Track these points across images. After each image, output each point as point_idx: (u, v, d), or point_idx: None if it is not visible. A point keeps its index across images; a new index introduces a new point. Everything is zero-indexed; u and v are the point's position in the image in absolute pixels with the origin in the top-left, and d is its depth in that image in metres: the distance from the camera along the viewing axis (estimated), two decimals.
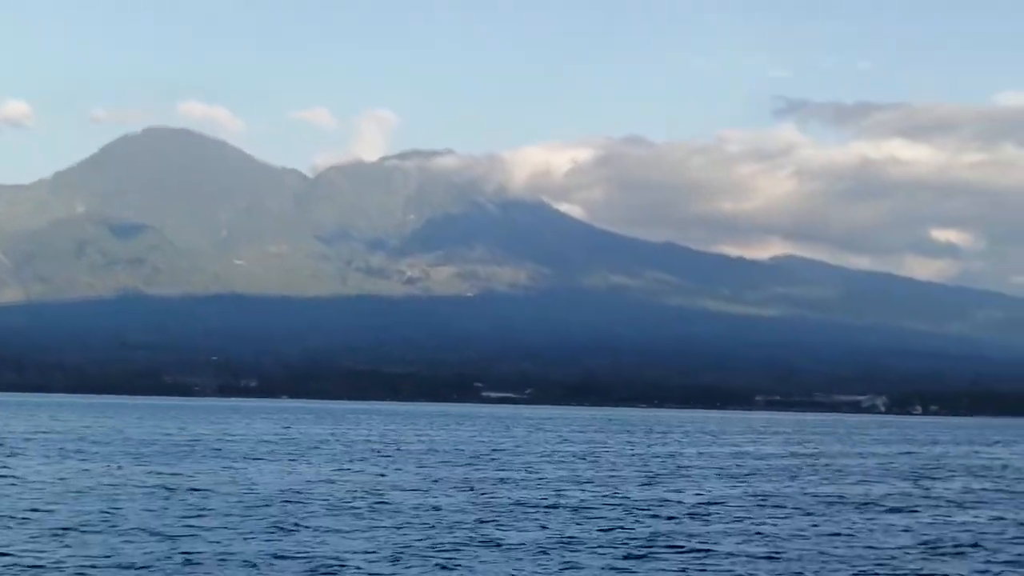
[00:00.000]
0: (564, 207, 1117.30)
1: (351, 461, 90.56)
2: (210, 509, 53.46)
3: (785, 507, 62.28)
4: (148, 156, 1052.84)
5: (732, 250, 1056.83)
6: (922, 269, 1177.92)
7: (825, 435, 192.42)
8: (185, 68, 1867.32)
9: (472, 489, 66.67)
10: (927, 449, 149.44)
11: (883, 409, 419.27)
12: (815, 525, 54.05)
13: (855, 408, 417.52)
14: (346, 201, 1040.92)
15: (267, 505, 55.77)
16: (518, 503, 59.68)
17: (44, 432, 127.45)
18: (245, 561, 38.96)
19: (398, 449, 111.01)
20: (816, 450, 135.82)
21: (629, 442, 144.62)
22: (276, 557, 39.99)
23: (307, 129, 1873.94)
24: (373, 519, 51.12)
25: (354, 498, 59.98)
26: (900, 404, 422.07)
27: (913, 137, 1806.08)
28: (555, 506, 58.94)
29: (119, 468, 76.47)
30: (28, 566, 37.15)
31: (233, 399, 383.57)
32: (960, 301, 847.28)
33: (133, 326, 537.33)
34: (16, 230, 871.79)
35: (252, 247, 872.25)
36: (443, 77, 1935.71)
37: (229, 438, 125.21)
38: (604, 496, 65.68)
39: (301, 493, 62.08)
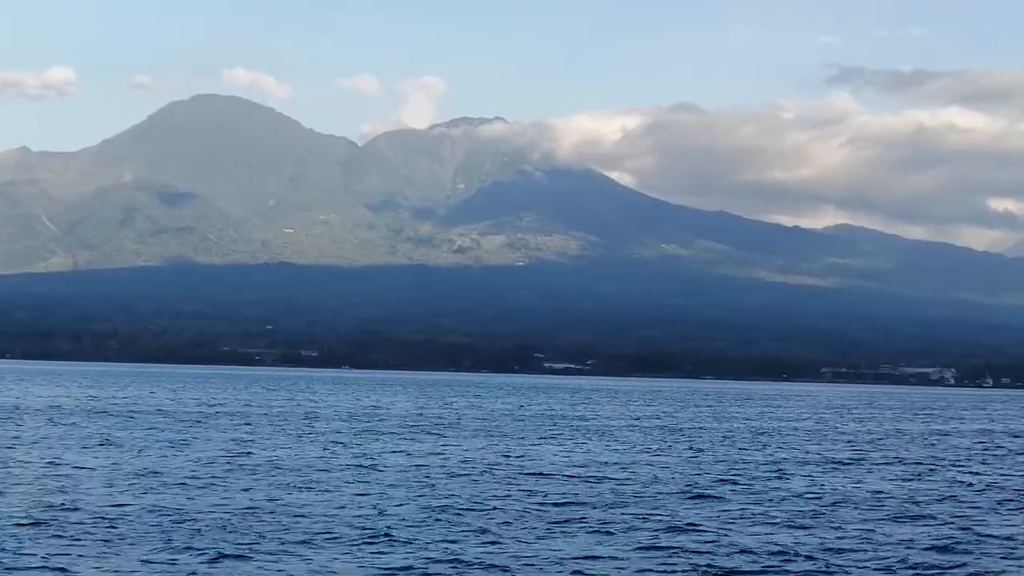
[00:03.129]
0: (614, 175, 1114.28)
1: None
2: None
3: None
4: (196, 124, 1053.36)
5: (785, 219, 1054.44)
6: (979, 239, 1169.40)
7: None
8: (228, 35, 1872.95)
9: None
10: None
11: (952, 381, 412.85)
12: None
13: (923, 380, 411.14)
14: (394, 169, 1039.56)
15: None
16: None
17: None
18: None
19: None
20: None
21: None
22: None
23: (354, 96, 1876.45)
24: None
25: None
26: (969, 376, 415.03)
27: (970, 105, 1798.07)
28: None
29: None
30: None
31: (300, 369, 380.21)
32: (1019, 272, 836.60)
33: (183, 295, 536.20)
34: (63, 198, 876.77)
35: (300, 216, 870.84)
36: (491, 44, 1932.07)
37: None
38: None
39: None
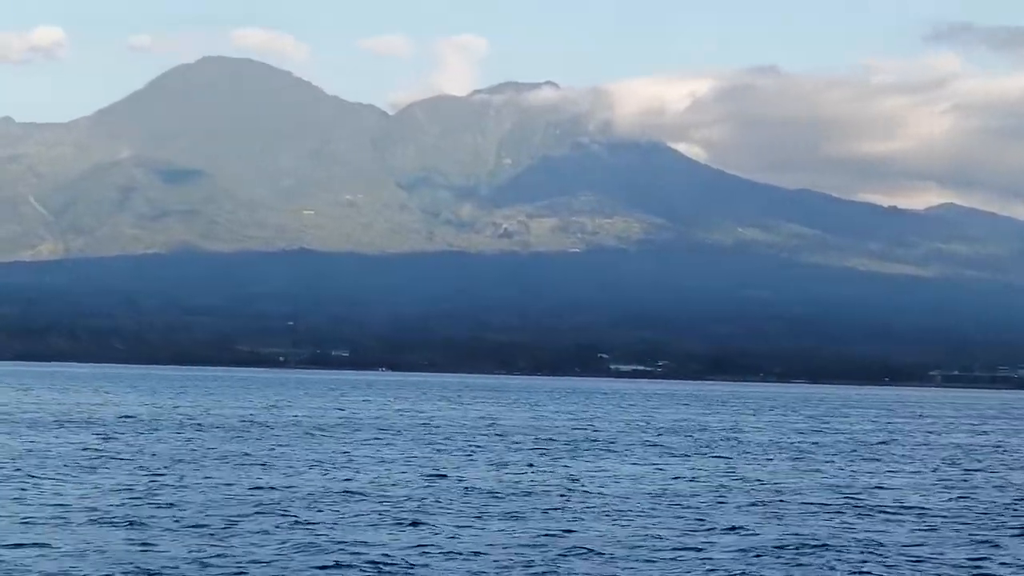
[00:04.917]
0: (682, 148, 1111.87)
1: None
2: None
3: None
4: (203, 90, 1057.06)
5: (880, 199, 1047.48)
6: None
7: None
8: None
9: None
10: None
11: None
12: None
13: None
14: (430, 142, 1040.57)
15: None
16: None
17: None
18: None
19: None
20: None
21: None
22: None
23: (384, 59, 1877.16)
24: None
25: None
26: None
27: None
28: None
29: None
30: None
31: (333, 372, 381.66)
32: None
33: (190, 287, 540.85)
34: (53, 176, 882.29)
35: (323, 196, 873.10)
36: None
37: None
38: None
39: None
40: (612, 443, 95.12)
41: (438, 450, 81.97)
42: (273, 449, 78.20)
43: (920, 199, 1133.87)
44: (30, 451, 70.84)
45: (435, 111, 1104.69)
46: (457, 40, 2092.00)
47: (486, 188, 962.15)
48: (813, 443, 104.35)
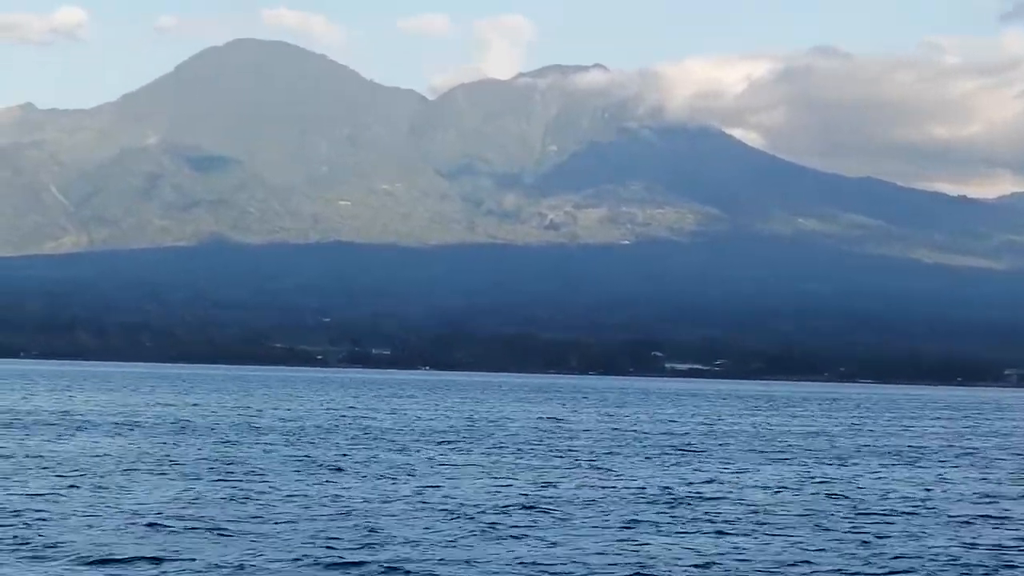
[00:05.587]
0: (737, 133, 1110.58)
1: None
2: None
3: None
4: (233, 74, 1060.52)
5: (948, 187, 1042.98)
6: None
7: None
8: None
9: None
10: None
11: None
12: None
13: None
14: (472, 128, 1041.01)
15: None
16: None
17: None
18: None
19: None
20: None
21: None
22: None
23: (423, 40, 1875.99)
24: None
25: None
26: None
27: None
28: None
29: None
30: None
31: (375, 371, 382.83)
32: None
33: (219, 281, 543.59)
34: (76, 164, 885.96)
35: (359, 185, 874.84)
36: None
37: None
38: None
39: None
40: (705, 447, 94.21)
41: (525, 455, 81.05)
42: (352, 455, 77.04)
43: (991, 188, 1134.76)
44: (97, 457, 69.91)
45: (477, 95, 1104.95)
46: (502, 21, 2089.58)
47: (531, 176, 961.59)
48: (915, 447, 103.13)
